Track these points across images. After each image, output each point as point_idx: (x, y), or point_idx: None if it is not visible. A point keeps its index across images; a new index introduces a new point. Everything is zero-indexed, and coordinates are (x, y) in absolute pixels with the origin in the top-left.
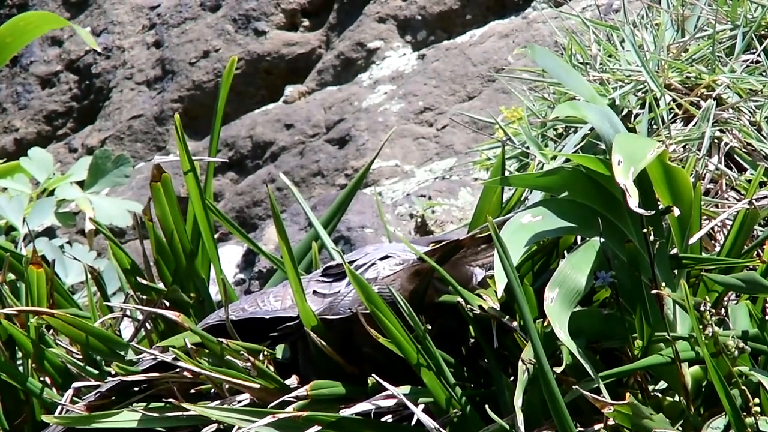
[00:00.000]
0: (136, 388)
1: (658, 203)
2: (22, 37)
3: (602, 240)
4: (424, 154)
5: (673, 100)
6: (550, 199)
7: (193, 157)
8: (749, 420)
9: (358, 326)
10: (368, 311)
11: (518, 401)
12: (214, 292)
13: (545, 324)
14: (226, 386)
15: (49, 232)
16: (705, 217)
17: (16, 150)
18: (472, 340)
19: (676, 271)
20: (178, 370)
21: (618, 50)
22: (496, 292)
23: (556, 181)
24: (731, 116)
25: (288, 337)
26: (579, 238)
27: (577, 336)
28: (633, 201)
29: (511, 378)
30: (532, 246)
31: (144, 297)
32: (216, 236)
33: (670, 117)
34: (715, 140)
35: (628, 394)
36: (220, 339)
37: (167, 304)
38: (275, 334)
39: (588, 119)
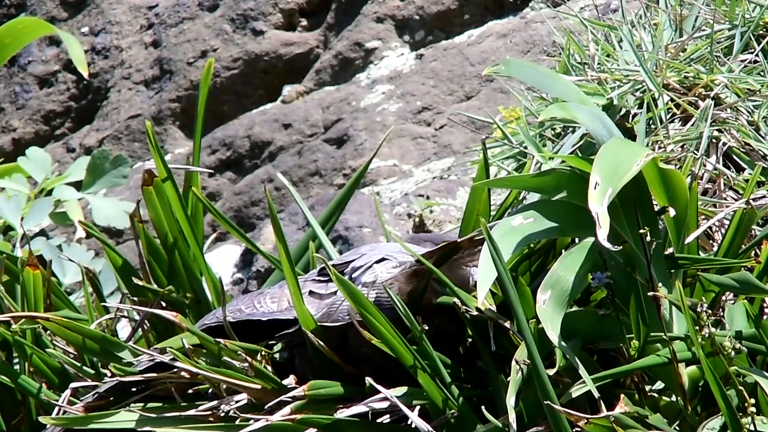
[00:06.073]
0: (133, 389)
1: (654, 204)
2: (19, 39)
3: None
4: (422, 154)
5: (672, 99)
6: (543, 200)
7: (172, 166)
8: (745, 420)
9: (354, 329)
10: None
11: (510, 400)
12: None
13: (540, 324)
14: (224, 386)
15: (47, 232)
16: (703, 216)
17: (14, 150)
18: (470, 341)
19: (672, 271)
20: (175, 370)
21: (616, 50)
22: (492, 294)
23: (550, 182)
24: (729, 116)
25: (285, 339)
26: (578, 238)
27: (572, 337)
28: (602, 233)
29: (509, 378)
30: (523, 248)
31: (137, 298)
32: (214, 236)
33: (668, 117)
34: (713, 140)
35: (622, 396)
36: (218, 339)
37: (164, 304)
38: (273, 341)
39: (578, 120)
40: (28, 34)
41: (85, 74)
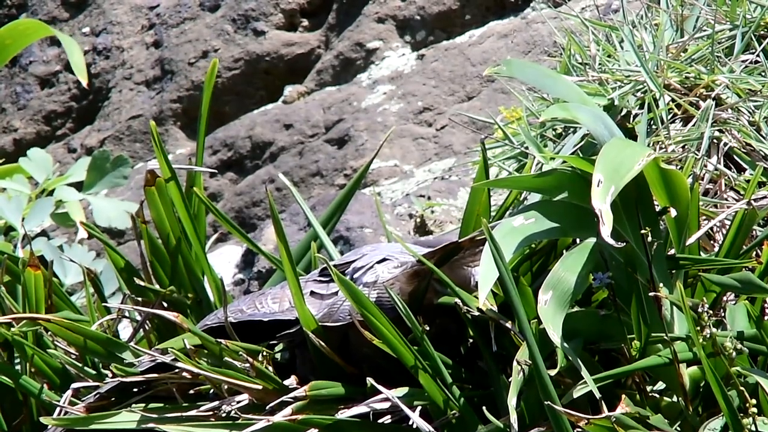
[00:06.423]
0: (135, 389)
1: (655, 204)
2: (20, 41)
3: (599, 241)
4: (423, 155)
5: (672, 100)
6: (544, 201)
7: (177, 166)
8: (746, 420)
9: (355, 329)
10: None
11: (512, 401)
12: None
13: (542, 325)
14: (225, 387)
15: (48, 233)
16: (704, 217)
17: (15, 150)
18: (471, 341)
19: (673, 272)
20: (177, 371)
21: (617, 50)
22: (493, 295)
23: (551, 182)
24: (730, 116)
25: (286, 339)
26: (579, 239)
27: (574, 337)
28: (606, 229)
29: (510, 379)
30: (524, 249)
31: (139, 298)
32: (216, 236)
33: (669, 117)
34: (714, 140)
35: (623, 396)
36: (219, 340)
37: (165, 305)
38: (274, 342)
39: (579, 120)
40: (29, 35)
41: (84, 82)
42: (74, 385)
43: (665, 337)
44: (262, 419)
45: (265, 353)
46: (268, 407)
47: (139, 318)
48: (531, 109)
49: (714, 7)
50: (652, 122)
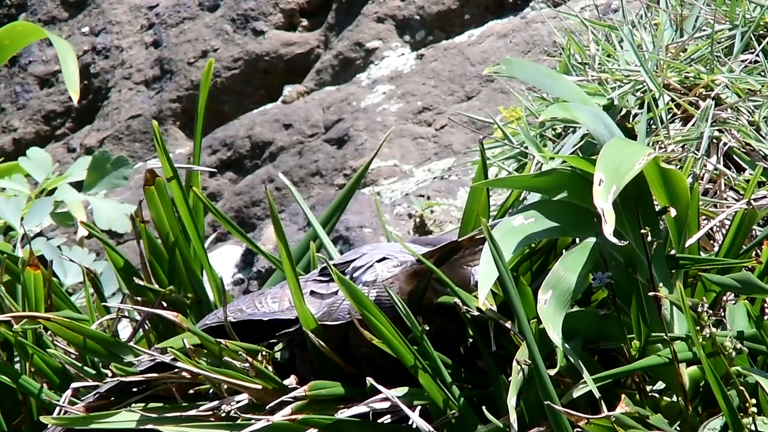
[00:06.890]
0: (134, 389)
1: (655, 204)
2: (18, 41)
3: (599, 241)
4: (423, 154)
5: (672, 100)
6: (544, 200)
7: (178, 165)
8: (746, 420)
9: (354, 328)
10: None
11: (512, 401)
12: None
13: (541, 324)
14: (225, 386)
15: (45, 234)
16: (704, 217)
17: (14, 150)
18: (471, 341)
19: (673, 271)
20: (176, 370)
21: (617, 50)
22: (492, 294)
23: (550, 182)
24: (730, 116)
25: (286, 338)
26: (579, 239)
27: (573, 337)
28: (608, 228)
29: (510, 378)
30: (524, 248)
31: (139, 298)
32: (215, 236)
33: (668, 117)
34: (714, 140)
35: (623, 396)
36: (219, 339)
37: (165, 304)
38: (274, 341)
39: (579, 120)
40: (27, 36)
41: (75, 99)
42: (74, 385)
43: (665, 337)
44: (261, 419)
45: (264, 353)
46: (267, 407)
47: (138, 318)
48: (530, 108)
49: (713, 7)
50: (651, 122)
